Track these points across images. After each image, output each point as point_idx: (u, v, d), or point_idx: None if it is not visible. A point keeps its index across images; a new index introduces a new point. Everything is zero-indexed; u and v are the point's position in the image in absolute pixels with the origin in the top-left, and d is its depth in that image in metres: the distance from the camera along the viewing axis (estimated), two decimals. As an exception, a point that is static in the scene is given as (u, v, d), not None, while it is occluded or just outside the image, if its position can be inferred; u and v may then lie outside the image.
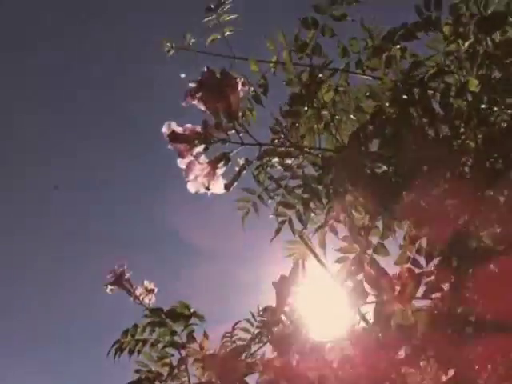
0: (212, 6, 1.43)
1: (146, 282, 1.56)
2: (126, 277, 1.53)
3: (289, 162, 1.03)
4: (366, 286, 1.11)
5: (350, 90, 1.32)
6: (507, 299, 0.86)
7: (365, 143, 1.07)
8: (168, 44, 1.51)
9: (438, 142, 1.09)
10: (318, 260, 1.22)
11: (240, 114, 0.97)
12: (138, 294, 1.53)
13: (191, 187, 0.98)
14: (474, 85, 1.25)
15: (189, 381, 1.34)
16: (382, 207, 0.94)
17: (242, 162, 0.94)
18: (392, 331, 1.02)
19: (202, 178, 0.99)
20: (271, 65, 1.38)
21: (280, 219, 1.04)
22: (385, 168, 1.06)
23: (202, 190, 0.99)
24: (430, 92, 1.13)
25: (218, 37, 1.45)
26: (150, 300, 1.53)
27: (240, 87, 0.96)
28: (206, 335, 1.50)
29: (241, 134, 0.97)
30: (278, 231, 1.04)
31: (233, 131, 0.97)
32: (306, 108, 1.03)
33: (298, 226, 1.07)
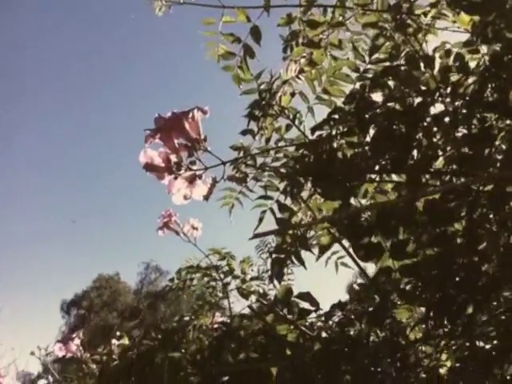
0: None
1: (191, 220, 1.78)
2: (173, 219, 1.76)
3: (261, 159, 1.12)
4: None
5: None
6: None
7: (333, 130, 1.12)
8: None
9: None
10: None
11: (203, 137, 1.06)
12: (185, 230, 1.76)
13: (176, 200, 1.14)
14: (465, 22, 1.19)
15: (229, 306, 1.64)
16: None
17: (210, 180, 1.06)
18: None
19: (183, 189, 1.14)
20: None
21: (262, 209, 1.16)
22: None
23: (185, 202, 1.14)
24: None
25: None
26: (196, 236, 1.76)
27: (196, 115, 1.05)
28: (244, 261, 1.76)
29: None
30: (260, 220, 1.16)
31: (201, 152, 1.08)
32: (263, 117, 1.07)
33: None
